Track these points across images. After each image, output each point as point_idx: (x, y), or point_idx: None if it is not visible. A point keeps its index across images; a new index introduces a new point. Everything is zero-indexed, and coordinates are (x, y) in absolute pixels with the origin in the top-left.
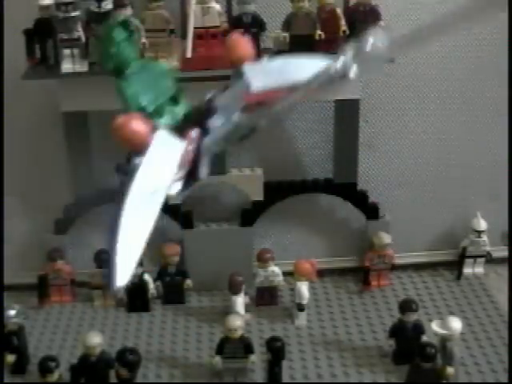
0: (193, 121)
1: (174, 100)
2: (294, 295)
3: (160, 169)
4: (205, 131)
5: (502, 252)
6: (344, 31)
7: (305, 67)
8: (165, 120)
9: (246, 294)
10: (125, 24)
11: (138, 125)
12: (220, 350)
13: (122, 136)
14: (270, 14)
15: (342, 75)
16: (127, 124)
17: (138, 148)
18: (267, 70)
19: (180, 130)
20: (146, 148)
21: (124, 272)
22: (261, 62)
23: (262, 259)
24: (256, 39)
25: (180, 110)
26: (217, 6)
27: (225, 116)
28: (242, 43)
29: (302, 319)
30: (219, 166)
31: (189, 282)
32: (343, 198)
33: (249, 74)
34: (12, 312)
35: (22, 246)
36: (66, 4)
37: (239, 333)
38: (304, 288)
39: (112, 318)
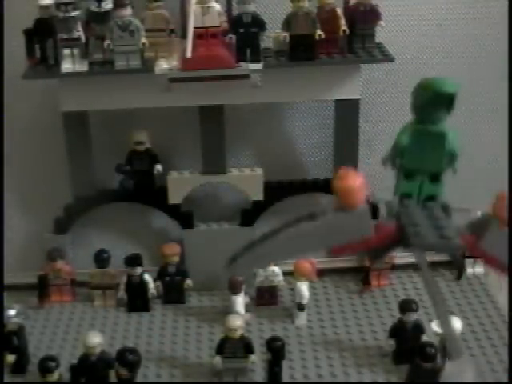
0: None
1: (435, 178)
2: (294, 295)
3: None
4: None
5: None
6: (344, 31)
7: None
8: (407, 187)
9: (246, 293)
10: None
11: (362, 185)
12: (220, 349)
13: (347, 185)
14: (270, 13)
15: None
16: (357, 177)
17: (348, 202)
18: (506, 241)
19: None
20: (355, 206)
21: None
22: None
23: None
24: (256, 39)
25: (431, 189)
26: (217, 6)
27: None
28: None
29: (302, 319)
30: (219, 165)
31: (189, 282)
32: None
33: (490, 233)
34: (12, 312)
35: (22, 246)
36: (66, 4)
37: (239, 333)
38: (304, 288)
39: (112, 317)
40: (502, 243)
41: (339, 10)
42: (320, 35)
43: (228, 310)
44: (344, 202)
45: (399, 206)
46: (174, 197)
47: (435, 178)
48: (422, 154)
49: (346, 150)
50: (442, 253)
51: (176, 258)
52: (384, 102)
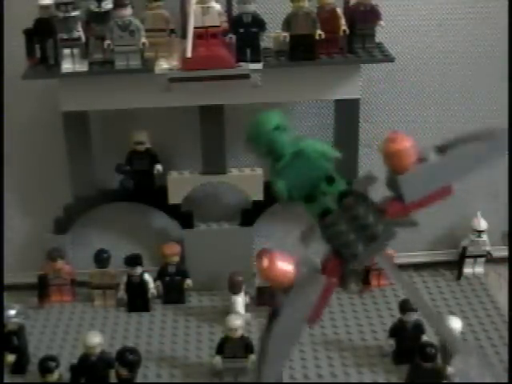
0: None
1: (330, 179)
2: None
3: (301, 308)
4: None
5: (502, 252)
6: (344, 31)
7: (462, 167)
8: (316, 207)
9: (246, 293)
10: (277, 116)
11: (283, 267)
12: (220, 349)
13: (270, 278)
14: (270, 13)
15: None
16: (273, 266)
17: (283, 287)
18: (422, 177)
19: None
20: (290, 286)
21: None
22: (416, 170)
23: None
24: (256, 39)
25: (335, 188)
26: (217, 6)
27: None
28: (410, 154)
29: None
30: (219, 165)
31: (189, 282)
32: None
33: (404, 187)
34: (12, 312)
35: (22, 246)
36: (66, 4)
37: (239, 332)
38: None
39: (112, 317)
40: (418, 181)
41: (339, 10)
42: (320, 35)
43: (228, 309)
44: (278, 288)
45: (323, 229)
46: (174, 197)
47: (330, 180)
48: (304, 178)
49: (346, 150)
50: (385, 245)
51: (176, 258)
52: (384, 102)
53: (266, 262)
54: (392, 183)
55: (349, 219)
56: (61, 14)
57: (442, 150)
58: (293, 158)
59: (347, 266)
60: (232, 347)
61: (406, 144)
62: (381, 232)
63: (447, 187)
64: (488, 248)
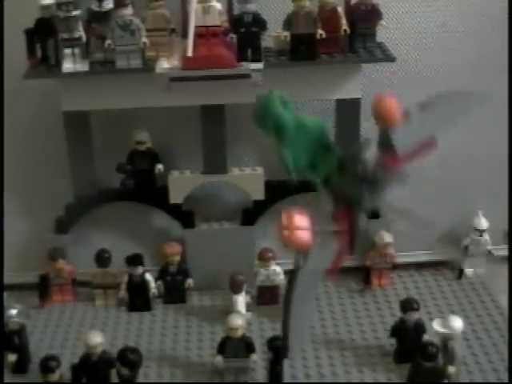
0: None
1: (326, 147)
2: None
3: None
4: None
5: (503, 251)
6: (345, 30)
7: (442, 122)
8: (319, 173)
9: (247, 293)
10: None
11: (302, 233)
12: (221, 349)
13: (291, 243)
14: (271, 13)
15: None
16: (293, 234)
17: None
18: (410, 130)
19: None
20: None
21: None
22: (404, 125)
23: (263, 258)
24: (257, 38)
25: (332, 156)
26: (217, 5)
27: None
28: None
29: None
30: (220, 165)
31: (190, 281)
32: None
33: (396, 139)
34: (13, 311)
35: (23, 246)
36: (67, 3)
37: (240, 332)
38: None
39: (113, 317)
40: (407, 134)
41: (340, 10)
42: (321, 34)
43: (229, 309)
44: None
45: (331, 191)
46: (175, 196)
47: (327, 148)
48: (306, 149)
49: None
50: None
51: (177, 258)
52: None
53: (285, 221)
54: (383, 140)
55: (351, 177)
56: (62, 14)
57: (424, 107)
58: (296, 131)
59: (355, 213)
60: (233, 347)
61: (393, 101)
62: (380, 179)
63: (431, 140)
64: (489, 247)
